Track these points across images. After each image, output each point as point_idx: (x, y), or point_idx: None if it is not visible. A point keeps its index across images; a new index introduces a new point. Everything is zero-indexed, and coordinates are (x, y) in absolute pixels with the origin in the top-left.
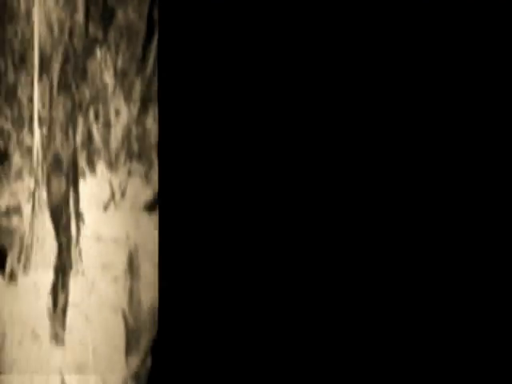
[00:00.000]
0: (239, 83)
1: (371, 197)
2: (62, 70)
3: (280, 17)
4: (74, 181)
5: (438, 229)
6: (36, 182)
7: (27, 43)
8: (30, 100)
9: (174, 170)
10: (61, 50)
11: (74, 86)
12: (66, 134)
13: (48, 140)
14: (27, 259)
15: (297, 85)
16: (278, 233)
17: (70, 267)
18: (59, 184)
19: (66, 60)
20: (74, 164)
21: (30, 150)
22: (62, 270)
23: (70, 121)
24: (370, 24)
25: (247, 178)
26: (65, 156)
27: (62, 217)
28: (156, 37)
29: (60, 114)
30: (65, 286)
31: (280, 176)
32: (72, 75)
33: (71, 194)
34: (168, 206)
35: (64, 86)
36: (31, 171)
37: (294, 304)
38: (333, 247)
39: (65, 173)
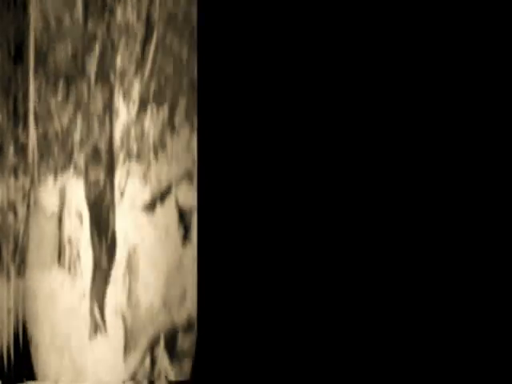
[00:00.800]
0: (274, 88)
1: (387, 197)
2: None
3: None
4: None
5: (443, 227)
6: (32, 181)
7: (23, 35)
8: (26, 95)
9: (213, 178)
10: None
11: (112, 78)
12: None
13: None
14: (22, 260)
15: (331, 90)
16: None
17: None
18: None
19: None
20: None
21: (24, 148)
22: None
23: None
24: (384, 27)
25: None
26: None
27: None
28: (155, 39)
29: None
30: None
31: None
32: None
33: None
34: (208, 209)
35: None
36: (26, 170)
37: (325, 303)
38: (363, 249)
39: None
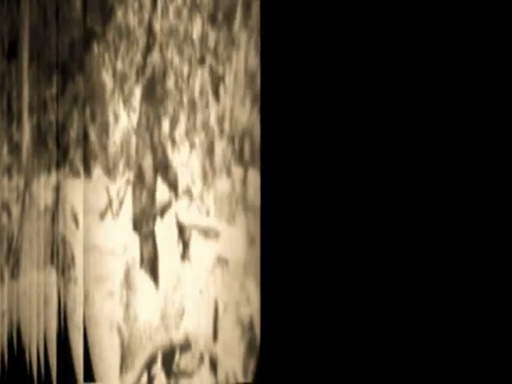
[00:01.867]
0: (337, 84)
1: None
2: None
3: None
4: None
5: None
6: (26, 181)
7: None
8: (20, 93)
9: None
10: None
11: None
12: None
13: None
14: (16, 261)
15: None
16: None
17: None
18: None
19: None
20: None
21: (18, 147)
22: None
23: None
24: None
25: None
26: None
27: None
28: (156, 47)
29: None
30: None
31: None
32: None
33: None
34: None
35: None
36: (20, 169)
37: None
38: (428, 248)
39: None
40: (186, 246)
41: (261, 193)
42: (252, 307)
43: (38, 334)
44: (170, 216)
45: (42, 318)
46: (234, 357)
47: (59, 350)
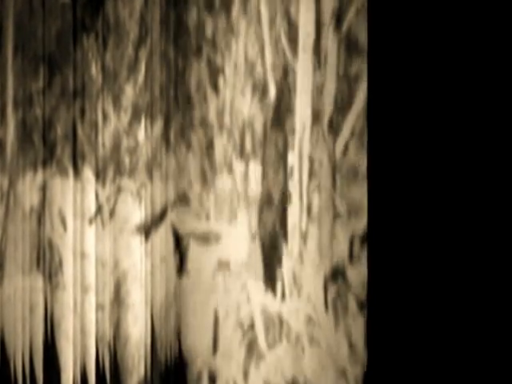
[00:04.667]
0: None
1: None
2: None
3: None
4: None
5: None
6: (10, 181)
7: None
8: (4, 87)
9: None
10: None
11: None
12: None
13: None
14: (0, 266)
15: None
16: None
17: None
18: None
19: None
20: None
21: (2, 145)
22: None
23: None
24: None
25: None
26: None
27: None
28: (149, 41)
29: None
30: None
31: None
32: None
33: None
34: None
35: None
36: (4, 168)
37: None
38: None
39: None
40: (183, 257)
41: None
42: (252, 307)
43: (24, 344)
44: (166, 225)
45: (28, 326)
46: (233, 363)
47: (46, 361)
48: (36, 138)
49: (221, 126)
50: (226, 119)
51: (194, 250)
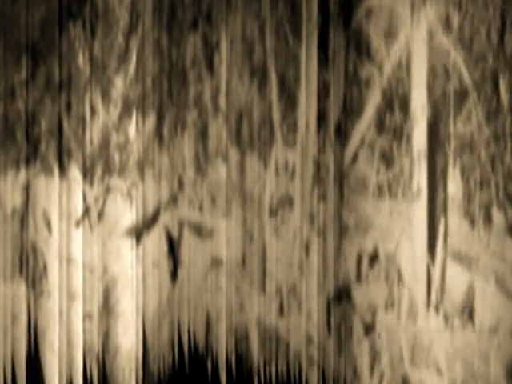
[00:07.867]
0: None
1: None
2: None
3: None
4: None
5: None
6: None
7: None
8: None
9: None
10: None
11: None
12: None
13: None
14: None
15: None
16: None
17: None
18: None
19: None
20: None
21: None
22: None
23: None
24: None
25: None
26: None
27: None
28: (140, 30)
29: None
30: None
31: None
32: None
33: None
34: None
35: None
36: None
37: None
38: None
39: None
40: (177, 261)
41: None
42: (247, 313)
43: (5, 356)
44: (158, 228)
45: (10, 336)
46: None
47: (29, 374)
48: (18, 133)
49: (216, 109)
50: (222, 103)
51: (189, 254)
